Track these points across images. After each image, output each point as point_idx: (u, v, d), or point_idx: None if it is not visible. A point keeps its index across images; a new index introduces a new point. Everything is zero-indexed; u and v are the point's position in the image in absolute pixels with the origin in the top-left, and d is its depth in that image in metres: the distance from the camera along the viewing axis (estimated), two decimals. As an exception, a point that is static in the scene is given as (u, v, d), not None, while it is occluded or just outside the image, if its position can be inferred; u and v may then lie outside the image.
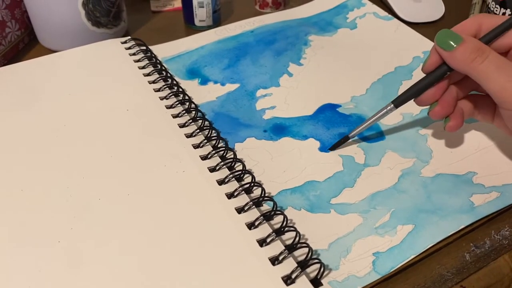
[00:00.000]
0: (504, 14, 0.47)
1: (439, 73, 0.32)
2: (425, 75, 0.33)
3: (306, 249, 0.28)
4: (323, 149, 0.37)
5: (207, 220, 0.30)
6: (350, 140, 0.37)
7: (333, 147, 0.37)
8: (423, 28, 0.53)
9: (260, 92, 0.43)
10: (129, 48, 0.47)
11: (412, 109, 0.40)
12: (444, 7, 0.56)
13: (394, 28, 0.51)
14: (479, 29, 0.32)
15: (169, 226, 0.30)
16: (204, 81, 0.44)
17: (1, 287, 0.27)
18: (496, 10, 0.48)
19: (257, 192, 0.32)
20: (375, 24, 0.52)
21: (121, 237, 0.29)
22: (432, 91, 0.33)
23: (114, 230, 0.30)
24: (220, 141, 0.36)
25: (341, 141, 0.36)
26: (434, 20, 0.55)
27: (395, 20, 0.52)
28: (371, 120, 0.35)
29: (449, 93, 0.33)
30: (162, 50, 0.48)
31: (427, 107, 0.34)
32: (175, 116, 0.38)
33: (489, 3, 0.49)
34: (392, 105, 0.35)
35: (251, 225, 0.29)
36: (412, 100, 0.34)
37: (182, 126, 0.37)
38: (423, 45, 0.48)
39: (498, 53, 0.30)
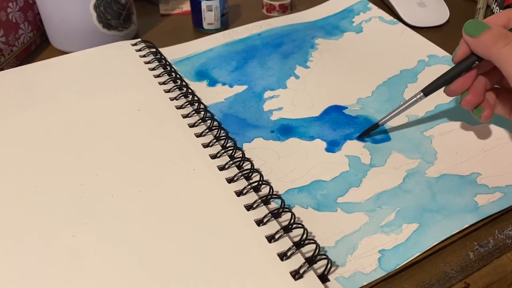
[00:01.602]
0: None
1: (468, 63, 0.34)
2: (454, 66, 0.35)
3: (314, 246, 0.28)
4: (329, 149, 0.38)
5: (217, 216, 0.31)
6: (355, 141, 0.38)
7: (362, 135, 0.38)
8: (428, 32, 0.53)
9: (267, 94, 0.44)
10: (139, 50, 0.48)
11: (417, 111, 0.41)
12: (448, 12, 0.56)
13: (399, 32, 0.52)
14: (508, 23, 0.33)
15: (180, 222, 0.31)
16: (213, 83, 0.45)
17: (17, 279, 0.27)
18: (500, 15, 0.48)
19: (265, 190, 0.33)
20: (380, 28, 0.53)
21: (133, 232, 0.30)
22: (462, 80, 0.34)
23: (127, 225, 0.30)
24: (229, 140, 0.36)
25: (371, 128, 0.38)
26: (439, 25, 0.55)
27: (400, 24, 0.53)
28: (400, 109, 0.37)
29: (478, 82, 0.35)
30: (171, 52, 0.49)
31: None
32: (185, 116, 0.39)
33: (493, 8, 0.50)
34: (422, 93, 0.36)
35: (260, 222, 0.30)
36: (443, 91, 0.35)
37: (192, 126, 0.38)
38: (428, 49, 0.49)
39: None
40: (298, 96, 0.43)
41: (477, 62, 0.33)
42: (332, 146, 0.38)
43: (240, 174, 0.33)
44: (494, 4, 0.50)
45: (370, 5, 0.56)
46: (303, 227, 0.29)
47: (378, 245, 0.30)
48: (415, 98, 0.36)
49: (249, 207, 0.31)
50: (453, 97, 0.41)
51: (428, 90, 0.36)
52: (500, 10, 0.48)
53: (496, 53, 0.31)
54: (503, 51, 0.30)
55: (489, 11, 0.52)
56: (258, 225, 0.30)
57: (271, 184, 0.33)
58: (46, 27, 0.50)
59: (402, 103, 0.37)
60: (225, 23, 0.55)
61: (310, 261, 0.28)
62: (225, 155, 0.35)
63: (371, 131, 0.38)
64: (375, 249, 0.30)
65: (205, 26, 0.53)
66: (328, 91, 0.44)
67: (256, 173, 0.34)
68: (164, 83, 0.43)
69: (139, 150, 0.36)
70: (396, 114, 0.37)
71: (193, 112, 0.39)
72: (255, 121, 0.41)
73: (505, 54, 0.30)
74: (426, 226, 0.31)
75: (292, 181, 0.35)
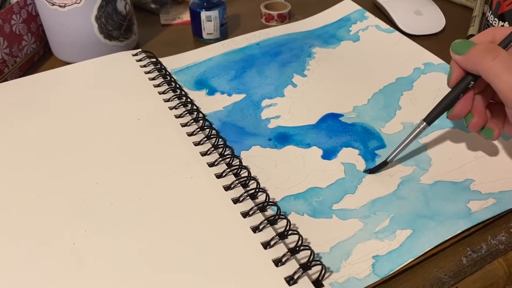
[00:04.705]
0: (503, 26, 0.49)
1: (464, 84, 0.33)
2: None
3: (308, 252, 0.29)
4: (325, 157, 0.38)
5: (214, 223, 0.32)
6: (351, 148, 0.38)
7: (372, 171, 0.37)
8: (424, 40, 0.54)
9: (265, 102, 0.44)
10: (140, 60, 0.49)
11: (412, 118, 0.42)
12: (444, 20, 0.57)
13: (395, 40, 0.53)
14: (493, 40, 0.33)
15: (178, 229, 0.31)
16: (212, 92, 0.46)
17: (19, 286, 0.28)
18: (495, 23, 0.49)
19: (261, 197, 0.34)
20: (377, 36, 0.53)
21: (132, 240, 0.31)
22: (462, 102, 0.34)
23: (126, 233, 0.31)
24: (227, 149, 0.37)
25: (380, 166, 0.37)
26: (435, 33, 0.56)
27: (397, 32, 0.54)
28: (406, 142, 0.36)
29: (477, 102, 0.34)
30: (171, 62, 0.50)
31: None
32: (184, 125, 0.40)
33: (488, 16, 0.51)
34: (425, 123, 0.35)
35: (256, 229, 0.31)
36: (446, 117, 0.35)
37: (190, 134, 0.39)
38: (424, 56, 0.50)
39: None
40: (295, 104, 0.44)
41: (472, 82, 0.33)
42: (328, 154, 0.39)
43: (237, 181, 0.34)
44: (489, 12, 0.50)
45: (367, 13, 0.56)
46: (298, 233, 0.30)
47: (372, 251, 0.31)
48: (419, 129, 0.35)
49: (245, 214, 0.32)
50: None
51: (430, 119, 0.35)
52: (495, 18, 0.49)
53: (485, 66, 0.30)
54: (492, 64, 0.30)
55: (484, 19, 0.53)
56: (254, 232, 0.31)
57: (268, 192, 0.33)
58: (48, 38, 0.51)
59: (407, 136, 0.36)
60: (224, 33, 0.56)
61: (305, 267, 0.28)
62: (222, 163, 0.36)
63: (381, 168, 0.37)
64: (369, 255, 0.31)
65: (205, 36, 0.54)
66: (325, 99, 0.45)
67: (253, 181, 0.34)
68: (164, 92, 0.44)
69: (138, 159, 0.37)
70: (403, 148, 0.36)
71: (192, 120, 0.40)
72: (253, 129, 0.41)
73: (493, 67, 0.30)
74: (419, 232, 0.32)
75: (288, 188, 0.35)
